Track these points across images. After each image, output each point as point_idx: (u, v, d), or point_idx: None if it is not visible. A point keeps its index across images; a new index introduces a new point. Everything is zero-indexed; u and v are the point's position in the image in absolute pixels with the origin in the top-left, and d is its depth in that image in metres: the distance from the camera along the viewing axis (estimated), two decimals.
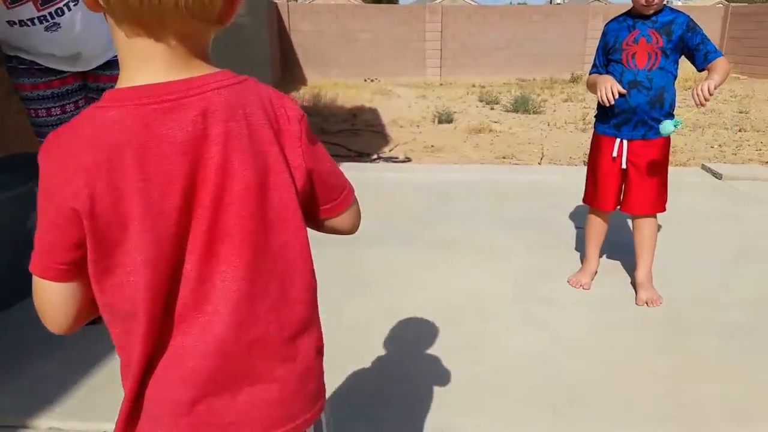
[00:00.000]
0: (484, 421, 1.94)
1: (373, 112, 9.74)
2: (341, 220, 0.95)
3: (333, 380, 2.14)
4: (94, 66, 2.46)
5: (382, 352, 2.34)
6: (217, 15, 0.78)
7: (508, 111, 9.79)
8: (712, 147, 7.01)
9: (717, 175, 4.91)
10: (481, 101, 10.94)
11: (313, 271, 0.89)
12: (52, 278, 0.80)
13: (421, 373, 2.19)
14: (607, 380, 2.16)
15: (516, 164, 6.14)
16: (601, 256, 3.03)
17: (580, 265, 3.05)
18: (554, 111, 9.77)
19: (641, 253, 2.79)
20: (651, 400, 2.05)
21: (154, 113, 0.75)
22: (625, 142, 2.65)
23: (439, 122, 8.75)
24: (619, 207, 2.80)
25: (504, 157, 6.57)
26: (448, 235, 3.61)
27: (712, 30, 16.19)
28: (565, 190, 4.54)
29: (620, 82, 2.55)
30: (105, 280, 0.78)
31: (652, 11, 2.55)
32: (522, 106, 9.65)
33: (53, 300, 0.82)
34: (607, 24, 2.74)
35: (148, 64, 0.76)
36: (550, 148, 6.98)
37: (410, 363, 2.27)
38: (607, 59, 2.69)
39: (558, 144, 7.20)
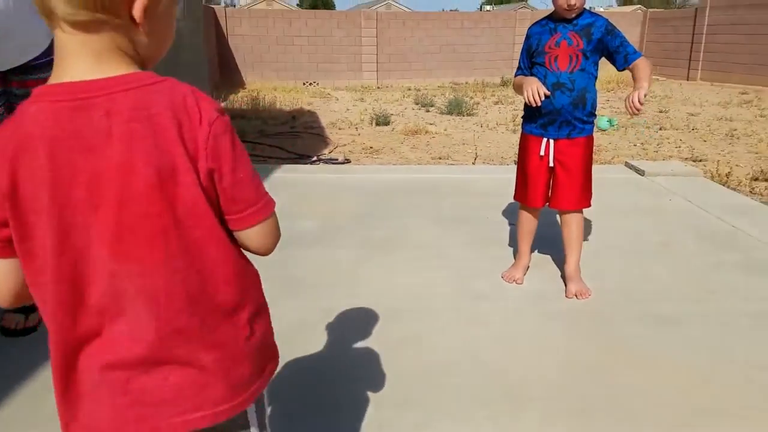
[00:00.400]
0: (422, 418, 1.92)
1: (312, 114, 9.66)
2: (246, 237, 0.91)
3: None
4: (7, 68, 2.23)
5: (318, 351, 2.29)
6: (116, 17, 0.80)
7: (442, 113, 9.87)
8: (635, 145, 7.24)
9: (640, 172, 5.07)
10: (416, 104, 11.00)
11: (237, 261, 0.91)
12: None
13: (358, 372, 2.16)
14: (540, 373, 2.18)
15: (451, 164, 6.19)
16: (533, 252, 3.08)
17: (514, 261, 3.08)
18: (486, 113, 9.91)
19: (570, 248, 2.85)
20: (582, 392, 2.07)
21: (65, 110, 0.78)
22: (551, 141, 2.71)
23: (377, 124, 8.74)
24: (547, 204, 2.84)
25: (440, 158, 6.61)
26: (386, 235, 3.59)
27: (632, 34, 16.78)
28: (498, 188, 4.60)
29: (544, 84, 2.59)
30: (28, 263, 0.82)
31: (573, 15, 2.60)
32: (456, 108, 9.75)
33: None
34: (530, 27, 2.78)
35: (73, 61, 0.80)
36: (483, 148, 7.07)
37: (347, 362, 2.24)
38: (531, 62, 2.74)
39: (490, 144, 7.30)
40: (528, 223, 2.95)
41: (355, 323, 2.52)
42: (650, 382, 2.12)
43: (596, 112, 2.74)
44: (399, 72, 15.53)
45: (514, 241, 3.43)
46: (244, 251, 0.94)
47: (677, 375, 2.17)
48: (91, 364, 0.85)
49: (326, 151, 6.87)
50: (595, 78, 2.69)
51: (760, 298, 2.78)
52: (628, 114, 2.51)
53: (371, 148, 7.18)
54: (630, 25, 16.69)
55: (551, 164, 2.73)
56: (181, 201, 0.82)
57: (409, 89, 14.00)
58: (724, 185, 5.03)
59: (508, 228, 3.70)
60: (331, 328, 2.47)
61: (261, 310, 0.98)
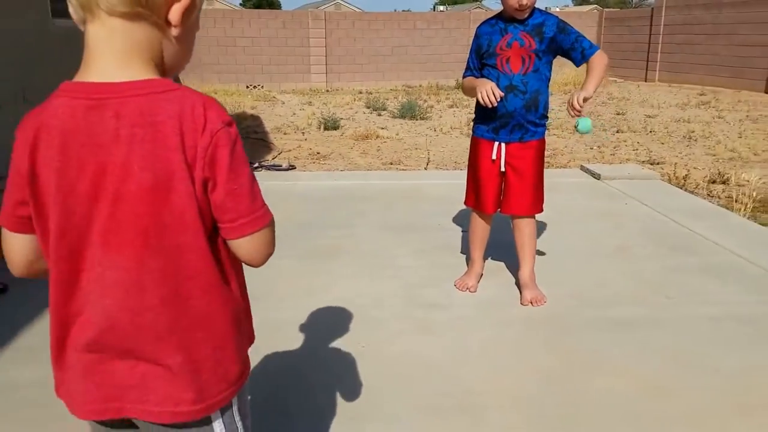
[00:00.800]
0: (378, 429, 1.93)
1: (256, 119, 9.60)
2: (238, 246, 0.97)
3: None
4: None
5: (268, 365, 2.27)
6: (154, 14, 0.89)
7: (395, 117, 9.93)
8: (591, 149, 7.41)
9: (595, 176, 5.20)
10: (368, 108, 11.04)
11: (217, 272, 0.97)
12: (9, 228, 0.98)
13: (309, 385, 2.15)
14: (496, 382, 2.21)
15: (403, 170, 6.22)
16: (486, 258, 3.11)
17: (466, 268, 3.11)
18: (440, 117, 10.01)
19: (523, 254, 2.89)
20: (539, 400, 2.10)
21: (81, 107, 0.88)
22: (503, 145, 2.74)
23: (326, 129, 8.74)
24: (499, 209, 2.88)
25: (391, 163, 6.64)
26: (333, 243, 3.58)
27: (589, 35, 17.04)
28: (451, 194, 4.64)
29: (497, 86, 2.60)
30: (44, 240, 0.95)
31: (525, 15, 2.62)
32: (409, 112, 9.82)
33: (11, 246, 1.00)
34: (479, 27, 2.79)
35: (99, 61, 0.90)
36: (437, 153, 7.13)
37: (294, 376, 2.21)
38: (481, 63, 2.75)
39: (444, 149, 7.37)
40: (480, 229, 2.98)
41: (300, 337, 2.50)
42: (607, 389, 2.16)
43: (548, 114, 2.81)
44: (349, 74, 15.58)
45: (466, 248, 3.46)
46: (229, 264, 1.01)
47: (634, 381, 2.22)
48: (75, 340, 0.96)
49: (269, 157, 6.83)
50: (548, 79, 2.74)
51: (716, 302, 2.87)
52: (569, 115, 2.58)
53: (318, 153, 7.17)
54: (586, 26, 17.13)
55: (503, 169, 2.77)
56: (170, 207, 0.90)
57: (361, 92, 14.05)
58: (681, 188, 5.19)
59: (460, 235, 3.74)
60: (275, 342, 2.45)
61: (237, 322, 1.03)
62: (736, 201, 4.82)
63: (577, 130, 2.60)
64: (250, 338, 1.12)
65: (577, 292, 2.96)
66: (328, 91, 14.84)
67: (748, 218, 4.39)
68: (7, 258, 1.02)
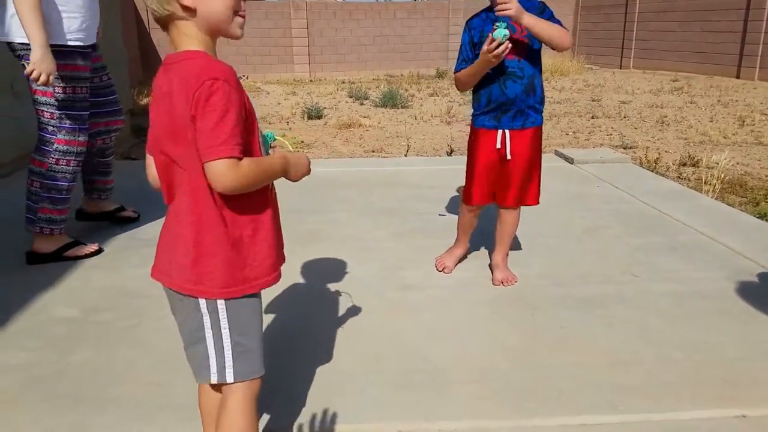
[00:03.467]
0: (351, 407, 1.97)
1: None
2: (206, 169, 1.26)
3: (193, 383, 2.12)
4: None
5: None
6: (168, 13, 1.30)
7: (377, 106, 9.95)
8: (567, 134, 7.49)
9: (569, 160, 5.26)
10: (350, 97, 11.05)
11: (209, 190, 1.31)
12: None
13: (284, 366, 2.19)
14: (465, 359, 2.26)
15: (384, 157, 6.26)
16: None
17: (443, 251, 3.16)
18: (421, 105, 10.04)
19: (501, 239, 2.92)
20: (506, 375, 2.16)
21: (162, 68, 1.35)
22: (507, 132, 2.69)
23: (309, 118, 8.75)
24: (495, 202, 2.85)
25: (373, 151, 6.67)
26: (313, 228, 3.62)
27: (565, 23, 17.18)
28: (429, 180, 4.70)
29: (494, 75, 2.61)
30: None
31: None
32: (390, 101, 9.84)
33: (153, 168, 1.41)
34: (469, 20, 2.74)
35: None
36: (417, 140, 7.17)
37: (273, 356, 2.25)
38: (475, 54, 2.64)
39: (424, 137, 7.41)
40: (471, 222, 3.00)
41: (279, 318, 2.54)
42: (573, 364, 2.22)
43: (544, 100, 2.78)
44: (332, 64, 15.54)
45: (441, 232, 3.53)
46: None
47: (599, 356, 2.28)
48: None
49: None
50: (541, 65, 2.72)
51: (681, 279, 2.94)
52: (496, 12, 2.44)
53: (302, 142, 7.18)
54: (563, 14, 17.16)
55: (509, 157, 2.71)
56: (182, 145, 1.28)
57: (343, 82, 14.03)
58: (652, 171, 5.27)
59: (436, 219, 3.79)
60: None
61: (239, 235, 1.37)
62: (705, 183, 4.90)
63: (496, 36, 2.43)
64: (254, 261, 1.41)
65: (546, 272, 3.03)
66: (311, 81, 14.81)
67: (716, 199, 4.48)
68: (150, 173, 1.45)
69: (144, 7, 13.77)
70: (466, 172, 2.87)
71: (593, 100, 10.19)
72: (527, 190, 2.80)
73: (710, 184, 4.81)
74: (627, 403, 2.00)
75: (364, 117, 8.83)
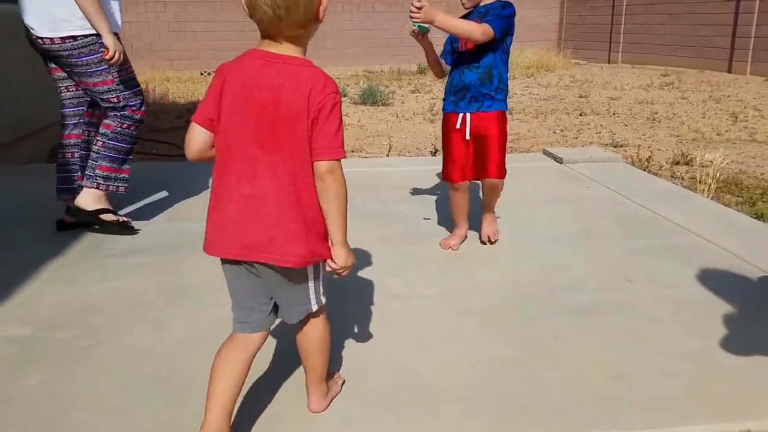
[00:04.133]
0: (331, 426, 1.91)
1: None
2: (323, 163, 1.64)
3: (170, 403, 2.02)
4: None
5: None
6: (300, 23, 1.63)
7: (356, 103, 9.88)
8: (554, 132, 7.48)
9: (558, 159, 5.24)
10: None
11: (303, 172, 1.65)
12: (200, 124, 1.66)
13: (260, 384, 2.11)
14: (454, 373, 2.20)
15: (365, 157, 6.20)
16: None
17: (428, 257, 3.15)
18: (403, 102, 10.00)
19: (487, 203, 3.38)
20: (499, 390, 2.10)
21: (259, 64, 1.63)
22: (467, 115, 3.15)
23: None
24: (471, 179, 3.27)
25: (353, 151, 6.61)
26: None
27: (551, 16, 17.35)
28: (413, 181, 4.64)
29: (457, 65, 3.15)
30: (217, 137, 1.69)
31: (468, 7, 3.13)
32: (370, 98, 9.78)
33: (195, 136, 1.67)
34: None
35: (268, 43, 1.65)
36: (399, 140, 7.12)
37: (251, 373, 2.18)
38: (451, 47, 3.20)
39: (406, 136, 7.37)
40: (460, 202, 3.34)
41: None
42: (569, 378, 2.17)
43: (507, 89, 3.23)
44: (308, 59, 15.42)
45: (427, 237, 3.49)
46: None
47: (596, 369, 2.24)
48: None
49: None
50: (504, 56, 3.14)
51: (678, 284, 2.91)
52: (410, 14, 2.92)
53: None
54: (548, 7, 17.25)
55: (467, 137, 3.15)
56: (284, 132, 1.60)
57: None
58: (644, 170, 5.27)
59: (422, 222, 3.73)
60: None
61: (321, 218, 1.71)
62: (699, 182, 4.90)
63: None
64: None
65: (537, 278, 2.98)
66: None
67: (712, 199, 4.48)
68: (188, 144, 1.67)
69: None
70: (443, 153, 3.33)
71: (581, 97, 10.22)
72: (494, 164, 3.19)
73: (705, 183, 4.81)
74: (627, 419, 1.96)
75: (343, 115, 8.75)
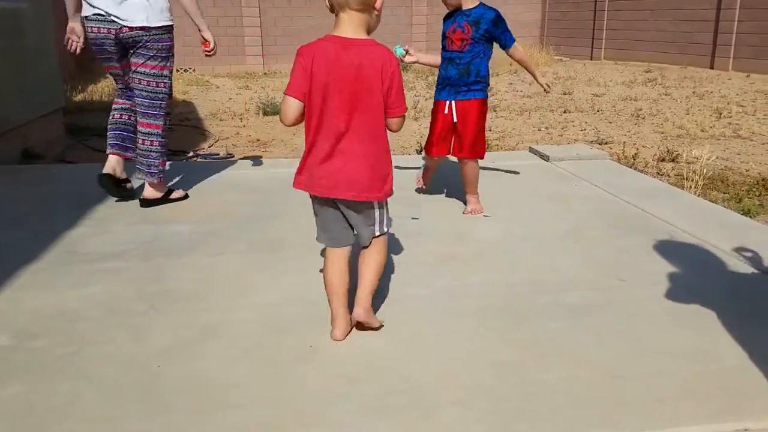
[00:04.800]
0: None
1: (189, 105, 9.38)
2: (395, 118, 2.28)
3: (156, 412, 1.99)
4: None
5: (198, 375, 2.19)
6: (369, 7, 2.20)
7: None
8: (539, 130, 7.51)
9: (544, 157, 5.25)
10: None
11: (382, 127, 2.29)
12: (295, 97, 2.19)
13: (247, 395, 2.08)
14: (449, 377, 2.18)
15: None
16: (440, 248, 3.09)
17: (418, 258, 3.15)
18: None
19: (466, 184, 3.91)
20: (496, 393, 2.09)
21: (338, 47, 2.17)
22: (452, 102, 3.80)
23: (265, 114, 8.60)
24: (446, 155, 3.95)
25: None
26: (276, 236, 3.51)
27: (533, 13, 17.40)
28: (399, 180, 4.60)
29: (444, 61, 3.82)
30: (308, 106, 2.24)
31: (451, 9, 3.78)
32: None
33: (291, 107, 2.20)
34: (444, 16, 3.86)
35: (345, 28, 2.20)
36: None
37: (234, 384, 2.15)
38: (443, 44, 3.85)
39: (390, 134, 7.33)
40: (433, 165, 4.17)
41: (241, 339, 2.43)
42: (565, 379, 2.17)
43: (485, 81, 3.82)
44: (288, 56, 15.06)
45: (416, 236, 3.47)
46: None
47: (592, 369, 2.23)
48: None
49: (205, 146, 6.68)
50: (485, 55, 3.77)
51: (668, 282, 2.92)
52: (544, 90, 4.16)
53: (258, 140, 7.06)
54: (530, 3, 17.32)
55: (455, 119, 3.78)
56: (369, 99, 2.18)
57: None
58: (631, 167, 5.30)
59: (409, 222, 3.71)
60: (213, 347, 2.37)
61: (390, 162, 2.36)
62: (686, 179, 4.94)
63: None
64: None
65: (530, 278, 2.98)
66: (265, 74, 14.62)
67: (699, 196, 4.51)
68: (286, 113, 2.21)
69: None
70: (429, 130, 3.99)
71: (564, 94, 10.27)
72: (471, 144, 3.80)
73: (692, 180, 4.85)
74: (625, 421, 1.95)
75: None
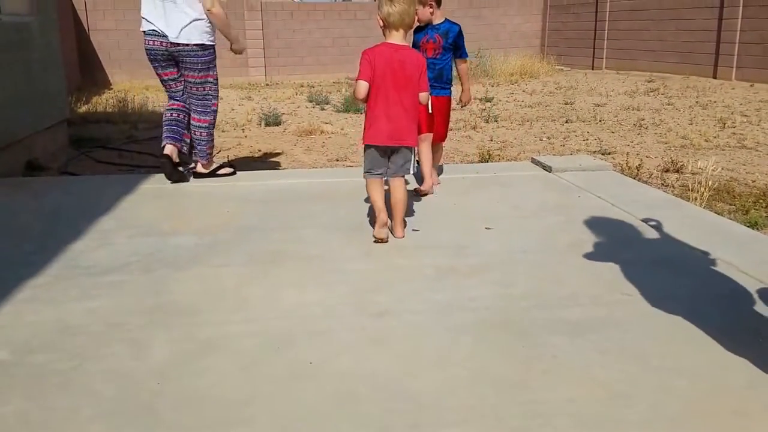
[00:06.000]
0: None
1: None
2: (423, 94, 3.66)
3: (156, 429, 1.98)
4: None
5: (198, 389, 2.16)
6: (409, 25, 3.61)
7: (339, 111, 9.85)
8: (540, 140, 7.48)
9: (547, 168, 5.21)
10: (310, 101, 10.93)
11: (416, 101, 3.65)
12: (366, 80, 3.50)
13: (246, 412, 2.05)
14: (450, 395, 2.15)
15: (350, 166, 6.15)
16: (436, 259, 3.06)
17: (419, 271, 3.11)
18: None
19: (436, 161, 4.82)
20: (498, 412, 2.05)
21: (391, 50, 3.54)
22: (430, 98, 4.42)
23: (267, 125, 8.60)
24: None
25: (337, 160, 6.57)
26: (276, 248, 3.48)
27: (534, 23, 17.43)
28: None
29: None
30: (373, 87, 3.62)
31: (423, 24, 4.55)
32: (353, 105, 9.75)
33: (363, 88, 3.52)
34: (414, 33, 4.59)
35: (395, 38, 3.56)
36: None
37: (233, 400, 2.12)
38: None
39: None
40: (426, 150, 4.68)
41: (240, 355, 2.40)
42: (569, 398, 2.13)
43: (450, 83, 4.69)
44: (290, 67, 15.41)
45: (417, 249, 3.44)
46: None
47: (596, 388, 2.19)
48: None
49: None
50: (450, 62, 4.65)
51: (673, 297, 2.87)
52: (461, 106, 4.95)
53: (260, 151, 7.04)
54: (530, 14, 17.36)
55: (430, 111, 4.51)
56: (410, 85, 3.55)
57: (302, 86, 13.91)
58: (634, 178, 5.26)
59: (411, 234, 3.69)
60: (212, 362, 2.34)
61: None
62: (691, 190, 4.90)
63: None
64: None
65: (531, 293, 2.94)
66: (267, 85, 14.65)
67: (705, 207, 4.47)
68: (359, 91, 3.50)
69: (84, 9, 13.47)
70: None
71: (566, 103, 10.25)
72: (441, 131, 4.74)
73: (697, 191, 4.81)
74: None
75: (326, 123, 8.72)
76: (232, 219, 4.03)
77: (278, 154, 6.92)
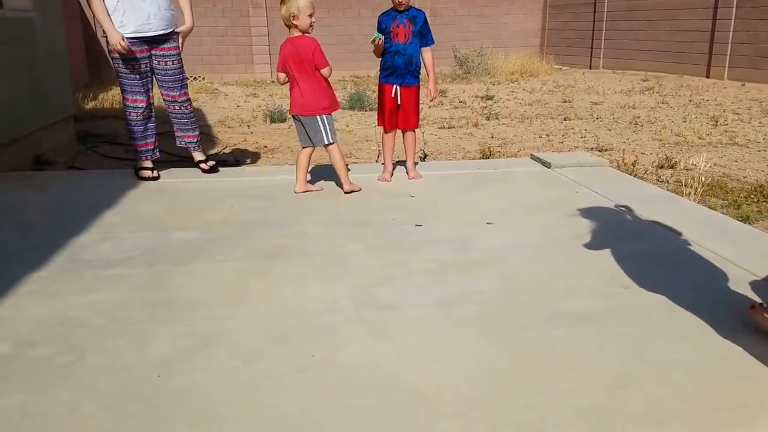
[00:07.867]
0: None
1: (197, 112, 9.26)
2: (322, 70, 4.32)
3: (157, 423, 1.95)
4: None
5: (199, 385, 2.11)
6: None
7: (344, 108, 9.76)
8: (540, 137, 7.41)
9: (546, 164, 5.16)
10: None
11: (319, 76, 4.34)
12: (281, 71, 4.40)
13: (248, 406, 2.00)
14: (451, 387, 2.10)
15: (354, 163, 6.08)
16: (427, 260, 3.00)
17: (421, 265, 3.05)
18: None
19: (408, 152, 4.81)
20: (499, 403, 2.00)
21: (292, 43, 4.31)
22: (398, 88, 4.56)
23: (272, 121, 8.52)
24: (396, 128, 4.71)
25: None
26: (280, 243, 3.43)
27: (534, 22, 17.32)
28: (404, 187, 4.55)
29: (390, 50, 4.53)
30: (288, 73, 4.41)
31: (402, 9, 4.48)
32: (358, 103, 9.67)
33: (282, 76, 4.41)
34: (379, 16, 4.59)
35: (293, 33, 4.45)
36: None
37: (235, 395, 2.06)
38: (385, 33, 4.53)
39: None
40: (389, 141, 4.76)
41: (242, 349, 2.34)
42: (569, 389, 2.08)
43: (418, 70, 4.60)
44: None
45: (419, 245, 3.38)
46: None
47: (595, 379, 2.14)
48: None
49: (213, 152, 6.61)
50: (418, 49, 4.56)
51: (670, 289, 2.82)
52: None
53: (266, 147, 6.98)
54: (531, 13, 17.24)
55: (399, 102, 4.56)
56: (310, 64, 4.27)
57: None
58: (630, 174, 5.20)
59: (413, 230, 3.63)
60: (213, 356, 2.29)
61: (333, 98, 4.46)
62: (685, 185, 4.84)
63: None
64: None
65: (531, 286, 2.89)
66: (273, 81, 14.54)
67: (698, 202, 4.42)
68: (280, 80, 4.38)
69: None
70: (377, 110, 4.81)
71: (564, 102, 10.17)
72: (413, 119, 4.70)
73: (691, 187, 4.75)
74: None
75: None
76: (235, 214, 3.97)
77: (284, 149, 6.85)
